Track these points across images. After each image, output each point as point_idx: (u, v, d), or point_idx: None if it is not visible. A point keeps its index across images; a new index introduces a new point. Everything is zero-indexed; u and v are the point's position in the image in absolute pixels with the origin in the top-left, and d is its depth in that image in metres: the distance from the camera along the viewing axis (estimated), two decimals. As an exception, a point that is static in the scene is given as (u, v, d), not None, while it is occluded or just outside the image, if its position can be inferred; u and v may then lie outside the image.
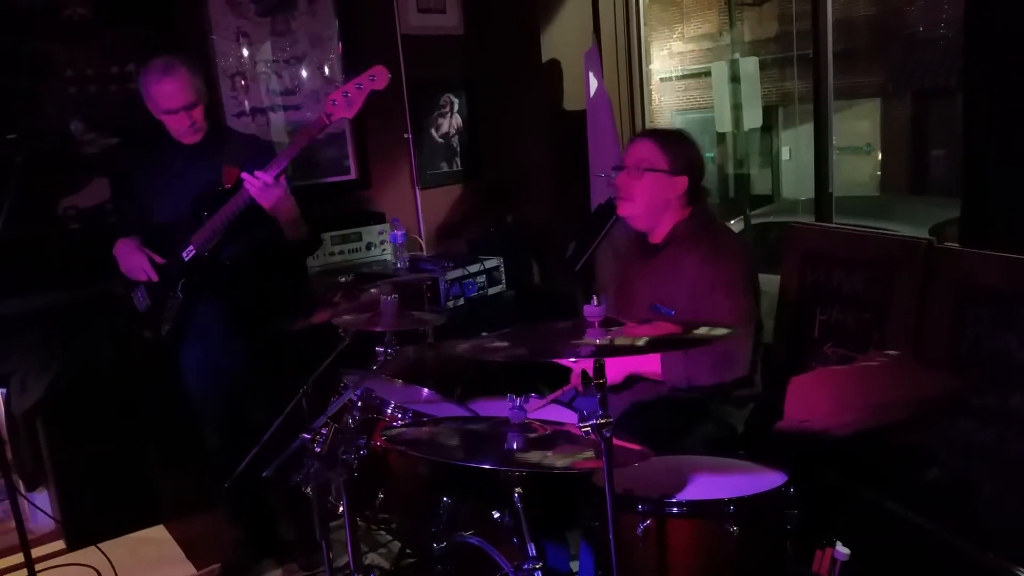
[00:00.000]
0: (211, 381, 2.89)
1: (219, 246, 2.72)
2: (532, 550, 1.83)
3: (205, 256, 2.73)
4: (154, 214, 2.82)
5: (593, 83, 3.94)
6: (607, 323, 1.60)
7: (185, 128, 2.73)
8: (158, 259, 2.76)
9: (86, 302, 3.28)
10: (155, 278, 2.75)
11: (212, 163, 2.74)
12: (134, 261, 2.77)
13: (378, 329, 2.13)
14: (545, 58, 4.21)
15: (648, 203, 2.47)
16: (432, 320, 2.30)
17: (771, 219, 5.91)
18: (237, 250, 2.76)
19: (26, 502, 3.17)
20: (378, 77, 2.56)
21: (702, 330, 1.71)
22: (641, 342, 1.56)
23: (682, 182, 2.44)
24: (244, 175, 2.57)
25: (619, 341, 1.55)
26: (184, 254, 2.74)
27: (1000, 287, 2.36)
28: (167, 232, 2.78)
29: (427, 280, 3.47)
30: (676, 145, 2.48)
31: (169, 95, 2.66)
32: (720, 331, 1.68)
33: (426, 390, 2.47)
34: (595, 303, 1.60)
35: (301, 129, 2.83)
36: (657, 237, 2.53)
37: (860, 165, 9.52)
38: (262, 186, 2.56)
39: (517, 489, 1.87)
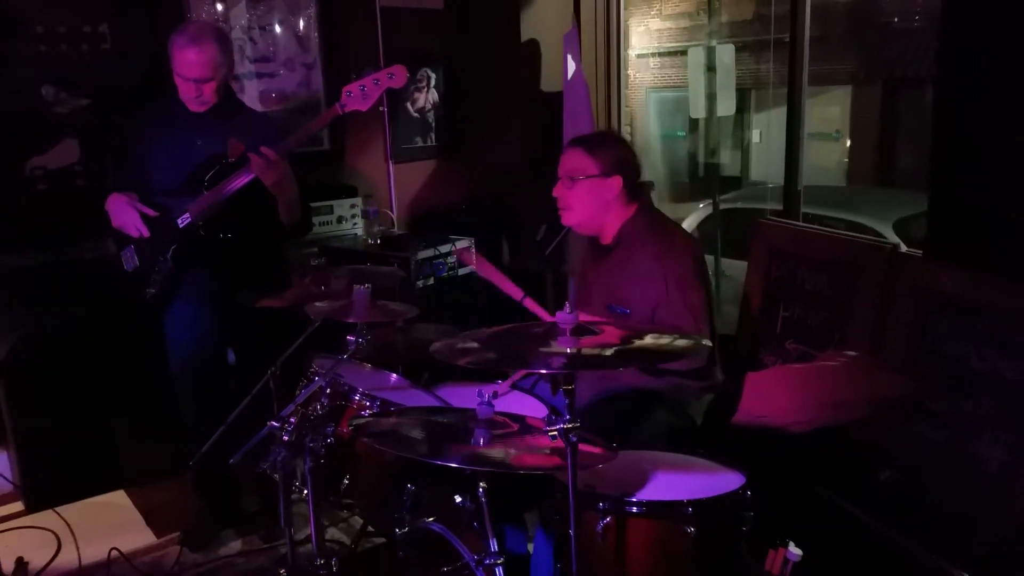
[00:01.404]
0: (193, 350, 2.91)
1: (216, 218, 2.73)
2: (494, 545, 1.86)
3: (199, 226, 2.74)
4: (149, 173, 2.81)
5: (571, 66, 3.91)
6: (579, 330, 1.62)
7: (190, 97, 2.72)
8: (150, 212, 2.76)
9: (52, 263, 3.25)
10: (147, 234, 2.75)
11: (215, 134, 2.74)
12: (127, 217, 2.76)
13: (350, 320, 2.13)
14: (524, 37, 4.18)
15: (587, 209, 2.49)
16: (404, 312, 2.30)
17: (739, 205, 5.94)
18: (232, 224, 2.76)
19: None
20: (396, 75, 2.63)
21: (675, 342, 1.74)
22: (609, 352, 1.59)
23: (616, 182, 2.46)
24: (256, 150, 2.58)
25: (588, 350, 1.58)
26: (180, 220, 2.75)
27: (960, 297, 2.42)
28: (163, 195, 2.78)
29: (399, 273, 3.47)
30: (603, 147, 2.50)
31: (187, 64, 2.65)
32: (686, 342, 1.72)
33: (394, 376, 2.48)
34: (567, 309, 1.62)
35: (316, 117, 2.93)
36: (607, 238, 2.55)
37: (828, 152, 9.60)
38: (267, 163, 2.58)
39: (482, 484, 1.90)
